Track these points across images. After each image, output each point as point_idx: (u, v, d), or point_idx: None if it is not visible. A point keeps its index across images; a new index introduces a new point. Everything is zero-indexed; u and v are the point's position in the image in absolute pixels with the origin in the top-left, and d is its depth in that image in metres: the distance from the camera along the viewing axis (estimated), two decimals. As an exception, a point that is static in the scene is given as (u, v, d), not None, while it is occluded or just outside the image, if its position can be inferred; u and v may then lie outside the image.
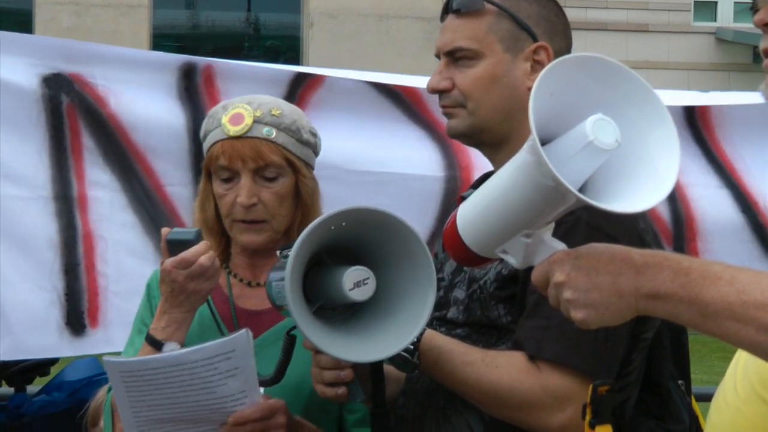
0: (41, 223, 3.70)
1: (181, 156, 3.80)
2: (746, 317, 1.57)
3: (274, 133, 2.60)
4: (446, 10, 2.36)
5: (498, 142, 2.32)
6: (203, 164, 2.68)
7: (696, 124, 4.11)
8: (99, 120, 3.75)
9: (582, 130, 1.63)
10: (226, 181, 2.61)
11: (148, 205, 3.76)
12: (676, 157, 1.65)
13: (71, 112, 3.73)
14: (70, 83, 3.74)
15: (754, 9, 1.90)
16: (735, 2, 20.15)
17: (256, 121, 2.59)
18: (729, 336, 1.60)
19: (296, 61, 19.68)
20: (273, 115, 2.62)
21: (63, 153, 3.74)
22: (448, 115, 2.35)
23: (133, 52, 3.91)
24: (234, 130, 2.58)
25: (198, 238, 2.48)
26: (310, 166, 2.67)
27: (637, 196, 1.64)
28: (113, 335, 3.76)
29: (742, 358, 1.97)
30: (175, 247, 2.46)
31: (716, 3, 20.04)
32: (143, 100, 3.78)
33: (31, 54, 3.73)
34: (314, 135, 2.69)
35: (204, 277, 2.45)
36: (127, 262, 3.75)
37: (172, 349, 2.44)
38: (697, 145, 4.09)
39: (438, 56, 2.37)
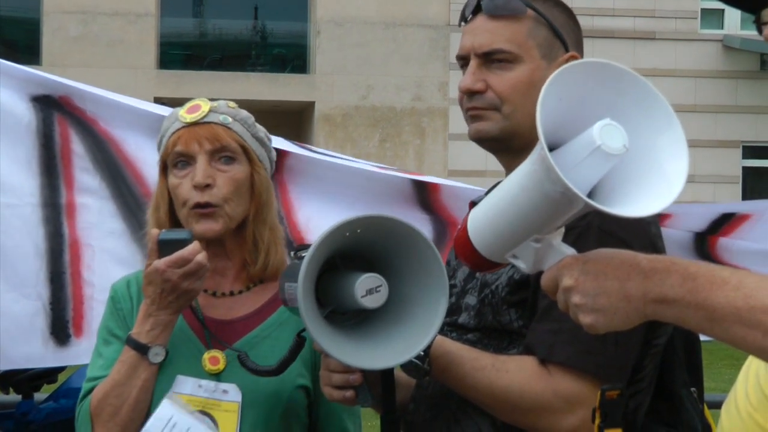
0: (28, 231, 3.67)
1: None
2: (753, 322, 1.57)
3: (230, 120, 2.59)
4: (475, 11, 2.30)
5: (523, 149, 2.21)
6: (159, 159, 2.64)
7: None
8: (89, 129, 3.74)
9: (589, 135, 1.63)
10: (182, 167, 2.57)
11: (138, 212, 3.68)
12: (684, 160, 1.65)
13: (62, 121, 3.72)
14: (60, 105, 3.73)
15: (759, 22, 1.89)
16: (742, 10, 20.12)
17: (213, 110, 2.60)
18: (736, 341, 1.60)
19: (304, 69, 19.73)
20: (229, 107, 2.63)
21: (52, 160, 3.72)
22: (477, 117, 2.29)
23: (124, 102, 3.84)
24: (191, 117, 2.58)
25: (192, 238, 2.46)
26: (263, 165, 2.63)
27: (646, 200, 1.65)
28: None
29: (753, 364, 1.97)
30: (167, 247, 2.44)
31: (723, 10, 20.01)
32: (132, 125, 3.77)
33: (21, 77, 3.72)
34: (268, 138, 2.68)
35: (196, 276, 2.44)
36: (113, 270, 3.65)
37: (157, 353, 2.47)
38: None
39: (464, 57, 2.32)
